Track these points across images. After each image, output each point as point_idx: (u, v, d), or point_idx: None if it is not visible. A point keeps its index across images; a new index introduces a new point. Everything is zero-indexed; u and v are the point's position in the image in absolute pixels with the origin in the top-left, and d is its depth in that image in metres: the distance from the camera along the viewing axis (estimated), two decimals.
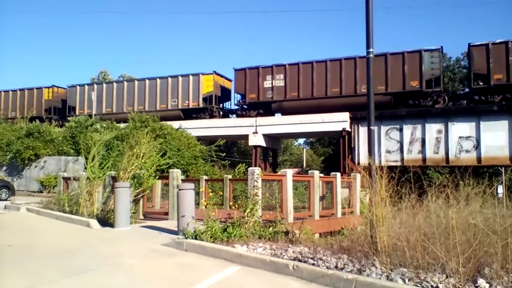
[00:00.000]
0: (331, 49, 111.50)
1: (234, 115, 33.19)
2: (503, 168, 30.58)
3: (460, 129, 24.23)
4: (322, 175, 13.94)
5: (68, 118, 32.17)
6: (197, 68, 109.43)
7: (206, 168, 23.77)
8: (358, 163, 25.84)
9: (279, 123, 28.93)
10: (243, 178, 15.63)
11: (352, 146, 26.93)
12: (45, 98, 37.83)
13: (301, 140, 61.25)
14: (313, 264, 6.12)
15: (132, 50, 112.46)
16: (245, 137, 30.57)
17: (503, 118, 23.31)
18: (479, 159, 23.73)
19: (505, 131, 23.24)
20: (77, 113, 34.61)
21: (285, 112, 29.50)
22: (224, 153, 26.67)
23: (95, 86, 36.12)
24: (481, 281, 4.97)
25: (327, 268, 5.90)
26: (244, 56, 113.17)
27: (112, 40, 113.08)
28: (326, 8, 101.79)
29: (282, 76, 29.11)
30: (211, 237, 7.85)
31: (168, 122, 29.27)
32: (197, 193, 13.62)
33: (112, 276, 5.98)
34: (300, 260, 6.39)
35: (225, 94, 33.38)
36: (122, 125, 27.01)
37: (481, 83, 24.61)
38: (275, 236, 8.45)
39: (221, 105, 33.23)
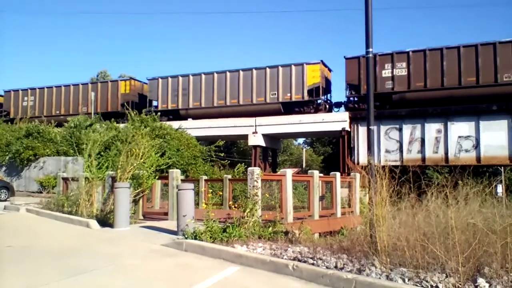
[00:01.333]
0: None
1: (341, 108, 30.25)
2: (502, 167, 30.70)
3: (460, 128, 24.24)
4: (321, 175, 13.95)
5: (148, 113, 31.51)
6: (198, 67, 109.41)
7: (206, 168, 23.74)
8: (358, 163, 25.82)
9: (278, 123, 28.91)
10: (242, 178, 15.62)
11: (352, 145, 26.93)
12: (122, 92, 34.70)
13: (300, 140, 61.32)
14: (313, 264, 6.12)
15: (130, 50, 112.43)
16: (245, 137, 30.56)
17: (503, 117, 23.33)
18: (478, 158, 23.74)
19: (505, 130, 23.26)
20: (159, 107, 32.46)
21: (406, 104, 26.09)
22: (224, 153, 26.65)
23: (180, 78, 32.70)
24: (480, 281, 4.97)
25: (327, 268, 5.90)
26: (249, 56, 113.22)
27: (110, 40, 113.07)
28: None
29: (404, 64, 26.16)
30: (210, 237, 7.86)
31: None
32: (197, 193, 13.63)
33: (111, 277, 5.98)
34: (299, 260, 6.39)
35: (328, 85, 30.78)
36: (121, 125, 26.99)
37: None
38: (275, 236, 8.45)
39: (324, 97, 30.28)
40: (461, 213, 5.70)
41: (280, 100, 29.43)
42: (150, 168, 12.44)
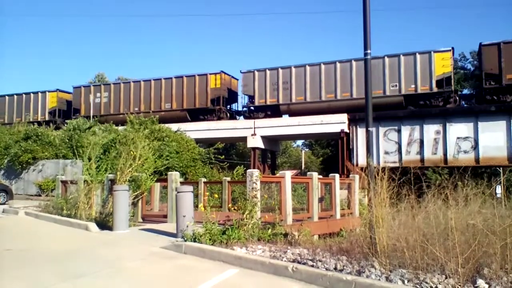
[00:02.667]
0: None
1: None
2: (501, 168, 30.71)
3: (458, 130, 24.29)
4: (320, 176, 13.95)
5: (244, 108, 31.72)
6: (201, 67, 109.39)
7: (205, 170, 23.74)
8: (357, 164, 25.87)
9: (277, 125, 28.92)
10: (241, 180, 15.60)
11: (351, 147, 26.95)
12: (211, 87, 31.75)
13: (299, 142, 61.35)
14: (312, 266, 6.11)
15: (127, 53, 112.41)
16: (244, 139, 30.59)
17: (501, 118, 23.38)
18: (477, 159, 23.78)
19: (503, 131, 23.31)
20: (256, 102, 30.56)
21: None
22: (223, 155, 26.65)
23: (280, 70, 30.03)
24: (480, 282, 4.97)
25: (326, 269, 5.90)
26: (239, 59, 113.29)
27: (106, 43, 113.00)
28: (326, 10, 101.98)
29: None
30: (210, 240, 7.84)
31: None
32: (196, 196, 13.62)
33: (111, 280, 5.97)
34: (299, 262, 6.38)
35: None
36: (120, 127, 26.97)
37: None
38: (274, 238, 8.44)
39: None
40: (461, 214, 5.70)
41: (403, 92, 26.83)
42: (148, 170, 12.42)
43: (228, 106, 32.95)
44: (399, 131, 25.62)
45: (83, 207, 12.32)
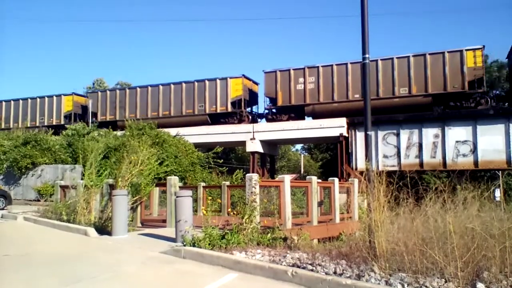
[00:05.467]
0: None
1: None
2: (500, 171, 30.75)
3: (457, 133, 24.33)
4: (320, 180, 13.95)
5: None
6: (206, 72, 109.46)
7: (204, 175, 23.73)
8: (356, 168, 25.85)
9: (276, 129, 28.94)
10: (241, 185, 15.60)
11: (350, 151, 26.96)
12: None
13: (298, 146, 61.33)
14: (312, 270, 6.11)
15: (126, 58, 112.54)
16: (243, 143, 30.58)
17: (499, 122, 23.43)
18: (476, 163, 23.81)
19: (502, 135, 23.35)
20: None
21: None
22: (222, 160, 26.65)
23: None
24: (480, 285, 4.97)
25: (326, 274, 5.90)
26: (240, 63, 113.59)
27: (104, 48, 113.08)
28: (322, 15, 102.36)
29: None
30: (209, 244, 7.84)
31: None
32: (195, 200, 13.61)
33: (110, 285, 5.96)
34: (298, 266, 6.37)
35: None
36: (119, 132, 26.98)
37: None
38: (274, 242, 8.44)
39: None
40: (459, 217, 5.71)
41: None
42: (148, 176, 12.42)
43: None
44: (398, 134, 25.65)
45: (82, 212, 12.31)
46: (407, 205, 6.35)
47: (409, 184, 6.59)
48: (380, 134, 25.94)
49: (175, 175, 15.16)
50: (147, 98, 33.29)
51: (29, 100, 38.35)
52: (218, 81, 30.97)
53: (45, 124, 36.41)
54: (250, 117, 31.42)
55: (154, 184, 13.06)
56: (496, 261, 5.25)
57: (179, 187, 12.84)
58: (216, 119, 31.17)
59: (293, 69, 28.75)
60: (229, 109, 30.49)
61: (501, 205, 7.63)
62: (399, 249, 5.81)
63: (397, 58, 26.29)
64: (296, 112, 29.05)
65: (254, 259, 6.97)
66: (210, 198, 14.31)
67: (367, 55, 7.89)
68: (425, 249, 5.51)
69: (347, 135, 26.96)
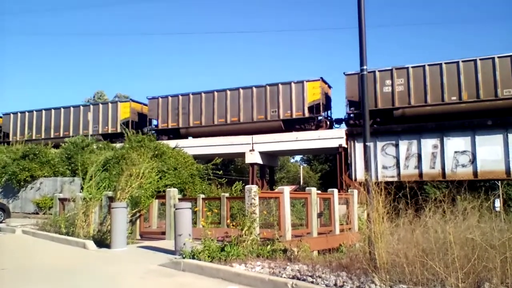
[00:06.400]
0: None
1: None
2: (499, 182, 30.73)
3: (456, 143, 24.34)
4: (319, 191, 13.93)
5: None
6: (196, 86, 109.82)
7: (203, 186, 23.68)
8: (355, 179, 25.82)
9: (275, 140, 28.94)
10: (240, 196, 15.57)
11: (349, 162, 26.97)
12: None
13: (298, 157, 61.35)
14: (312, 282, 6.07)
15: (125, 70, 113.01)
16: (242, 154, 30.58)
17: (498, 132, 23.47)
18: (475, 173, 23.79)
19: (500, 145, 23.37)
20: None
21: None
22: (221, 171, 26.62)
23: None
24: None
25: (326, 286, 5.86)
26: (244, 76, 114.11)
27: (104, 61, 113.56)
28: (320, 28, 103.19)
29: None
30: (208, 257, 7.80)
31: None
32: (194, 212, 13.56)
33: None
34: (298, 278, 6.33)
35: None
36: (117, 145, 27.01)
37: None
38: (273, 254, 8.39)
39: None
40: (460, 228, 5.70)
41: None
42: (148, 190, 12.38)
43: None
44: (396, 145, 25.68)
45: (81, 225, 12.26)
46: (407, 216, 6.35)
47: (409, 194, 6.58)
48: (379, 145, 25.97)
49: (174, 187, 15.15)
50: (213, 104, 31.16)
51: (81, 108, 36.36)
52: (293, 84, 29.12)
53: (99, 132, 34.07)
54: (328, 122, 29.79)
55: (154, 197, 13.03)
56: (497, 272, 5.23)
57: (179, 199, 12.82)
58: (291, 125, 29.16)
59: (379, 71, 26.78)
60: (306, 114, 28.53)
61: (501, 216, 7.61)
62: (400, 260, 5.78)
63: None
64: (383, 117, 26.86)
65: (254, 271, 6.94)
66: (209, 210, 14.29)
67: (365, 67, 7.94)
68: (425, 260, 5.49)
69: (346, 146, 26.99)
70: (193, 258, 7.95)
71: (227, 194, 15.74)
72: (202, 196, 16.16)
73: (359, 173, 25.89)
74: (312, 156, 54.29)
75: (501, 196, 29.19)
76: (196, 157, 27.22)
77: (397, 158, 25.57)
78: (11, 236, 13.96)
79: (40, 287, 6.49)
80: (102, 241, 11.14)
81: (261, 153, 29.71)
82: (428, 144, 24.98)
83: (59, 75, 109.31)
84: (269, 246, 8.70)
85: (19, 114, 38.63)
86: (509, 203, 29.06)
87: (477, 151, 23.71)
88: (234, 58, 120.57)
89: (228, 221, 12.60)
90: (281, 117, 29.13)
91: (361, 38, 7.96)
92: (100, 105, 35.79)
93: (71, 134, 34.17)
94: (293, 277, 6.43)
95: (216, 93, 31.34)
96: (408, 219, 6.31)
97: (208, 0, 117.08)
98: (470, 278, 5.16)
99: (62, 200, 15.31)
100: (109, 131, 34.17)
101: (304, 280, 6.23)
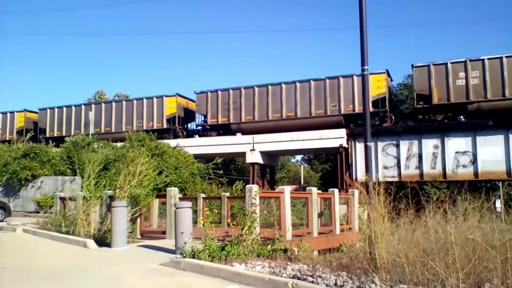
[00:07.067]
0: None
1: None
2: (500, 182, 30.70)
3: (457, 144, 24.36)
4: (320, 191, 13.93)
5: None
6: (202, 85, 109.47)
7: (204, 186, 23.71)
8: (356, 179, 25.85)
9: (276, 140, 28.93)
10: (240, 196, 15.57)
11: (350, 162, 26.98)
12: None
13: (298, 157, 61.35)
14: (312, 282, 6.07)
15: (125, 69, 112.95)
16: (243, 154, 30.60)
17: (499, 133, 23.48)
18: (476, 173, 23.80)
19: (501, 145, 23.37)
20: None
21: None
22: (222, 171, 26.64)
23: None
24: None
25: (327, 285, 5.86)
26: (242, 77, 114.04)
27: (103, 60, 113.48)
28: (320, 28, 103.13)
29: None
30: (209, 256, 7.79)
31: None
32: (195, 211, 13.57)
33: None
34: (299, 278, 6.33)
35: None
36: (119, 144, 27.02)
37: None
38: (274, 254, 8.39)
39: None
40: (460, 228, 5.69)
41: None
42: (148, 187, 12.40)
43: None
44: (397, 145, 25.69)
45: (81, 224, 12.26)
46: (408, 216, 6.34)
47: (410, 194, 6.58)
48: (380, 145, 25.99)
49: (175, 186, 15.15)
50: (267, 98, 29.82)
51: (124, 102, 35.45)
52: (355, 77, 27.36)
53: (144, 128, 32.66)
54: (393, 117, 28.15)
55: (154, 195, 13.02)
56: (497, 273, 5.22)
57: (179, 198, 12.81)
58: (352, 120, 27.88)
59: (451, 63, 25.56)
60: (371, 109, 24.64)
61: (502, 216, 7.61)
62: (400, 260, 5.78)
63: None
64: (455, 111, 26.04)
65: (254, 271, 6.93)
66: (209, 209, 14.29)
67: (366, 67, 7.94)
68: (426, 261, 5.48)
69: (347, 146, 26.99)
70: (194, 257, 7.95)
71: (227, 194, 15.74)
72: (203, 195, 16.16)
73: (360, 173, 25.90)
74: (313, 156, 54.28)
75: (502, 196, 29.14)
76: (197, 157, 27.25)
77: (398, 158, 25.59)
78: (12, 234, 13.97)
79: (41, 286, 6.49)
80: (103, 240, 11.14)
81: (262, 152, 29.74)
82: (429, 144, 25.01)
83: (59, 75, 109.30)
84: (269, 246, 8.70)
85: (56, 109, 37.22)
86: (510, 204, 28.96)
87: (478, 152, 23.72)
88: (234, 58, 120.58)
89: (229, 220, 12.61)
90: (342, 111, 27.76)
91: (362, 38, 7.95)
92: (144, 100, 33.99)
93: (112, 130, 33.80)
94: (293, 277, 6.43)
95: (270, 87, 30.00)
96: (408, 219, 6.31)
97: (208, 0, 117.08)
98: (470, 279, 5.15)
99: (63, 199, 15.32)
100: (155, 127, 32.86)
101: (304, 279, 6.22)
